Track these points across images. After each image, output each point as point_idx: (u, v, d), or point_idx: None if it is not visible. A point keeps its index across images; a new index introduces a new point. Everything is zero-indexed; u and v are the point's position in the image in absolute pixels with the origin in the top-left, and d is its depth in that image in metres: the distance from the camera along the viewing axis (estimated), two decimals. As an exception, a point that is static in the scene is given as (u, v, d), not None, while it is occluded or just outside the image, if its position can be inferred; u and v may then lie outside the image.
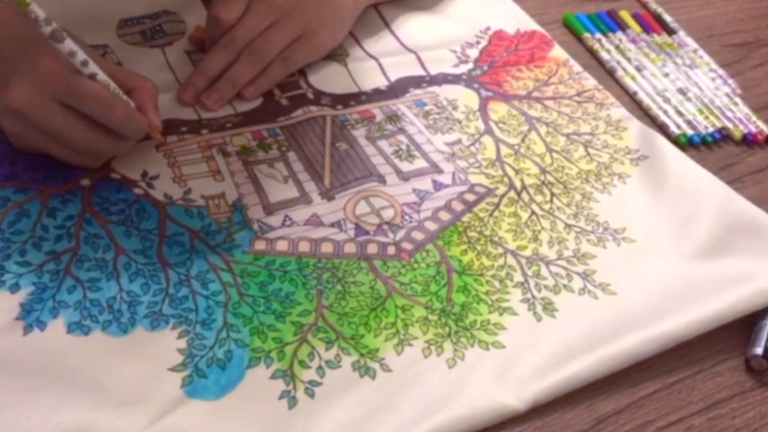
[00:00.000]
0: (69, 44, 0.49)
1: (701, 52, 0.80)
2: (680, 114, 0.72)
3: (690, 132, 0.70)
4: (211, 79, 0.62)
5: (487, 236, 0.57)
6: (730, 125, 0.71)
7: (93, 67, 0.50)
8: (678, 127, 0.70)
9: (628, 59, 0.77)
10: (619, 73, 0.75)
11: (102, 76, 0.51)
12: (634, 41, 0.80)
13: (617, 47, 0.78)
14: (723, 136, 0.70)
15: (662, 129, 0.70)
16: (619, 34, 0.80)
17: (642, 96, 0.73)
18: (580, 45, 0.79)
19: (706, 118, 0.72)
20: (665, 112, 0.72)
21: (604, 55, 0.77)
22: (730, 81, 0.77)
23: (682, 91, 0.74)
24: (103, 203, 0.53)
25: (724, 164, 0.68)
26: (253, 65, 0.63)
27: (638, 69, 0.76)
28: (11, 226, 0.51)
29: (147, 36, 0.67)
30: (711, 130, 0.70)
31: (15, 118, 0.50)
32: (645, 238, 0.58)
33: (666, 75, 0.76)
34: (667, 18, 0.84)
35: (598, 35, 0.79)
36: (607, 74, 0.76)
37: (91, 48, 0.55)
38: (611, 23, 0.81)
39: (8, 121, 0.51)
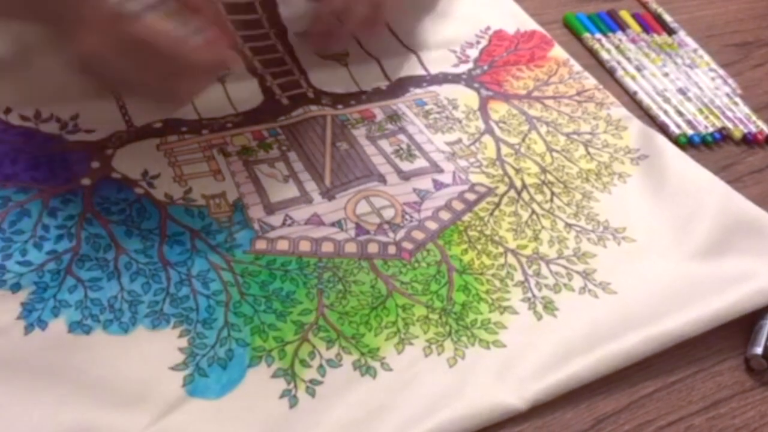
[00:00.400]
0: None
1: (701, 52, 0.80)
2: (680, 114, 0.72)
3: (690, 132, 0.70)
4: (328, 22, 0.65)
5: (488, 235, 0.57)
6: (730, 125, 0.71)
7: (158, 11, 0.50)
8: (678, 126, 0.70)
9: (628, 59, 0.77)
10: (619, 72, 0.75)
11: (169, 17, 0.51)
12: (634, 41, 0.80)
13: (617, 47, 0.78)
14: (723, 136, 0.70)
15: (662, 129, 0.70)
16: (619, 34, 0.80)
17: (642, 96, 0.73)
18: (580, 45, 0.79)
19: (706, 118, 0.72)
20: (665, 111, 0.72)
21: (604, 55, 0.77)
22: (730, 81, 0.77)
23: (682, 91, 0.74)
24: (103, 203, 0.53)
25: (724, 164, 0.68)
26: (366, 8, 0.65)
27: (638, 69, 0.76)
28: (12, 226, 0.51)
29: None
30: (711, 130, 0.70)
31: (88, 64, 0.51)
32: (645, 238, 0.58)
33: (666, 75, 0.76)
34: (667, 18, 0.84)
35: (598, 35, 0.79)
36: (607, 74, 0.76)
37: None
38: (611, 23, 0.82)
39: (82, 68, 0.52)
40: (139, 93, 0.55)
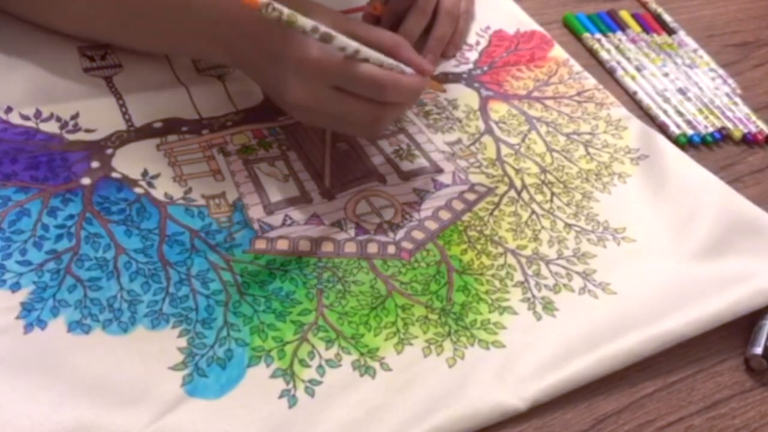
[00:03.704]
0: (338, 41, 0.50)
1: (701, 52, 0.80)
2: (680, 114, 0.72)
3: (690, 132, 0.70)
4: (414, 41, 0.66)
5: (488, 235, 0.57)
6: (729, 125, 0.71)
7: (365, 52, 0.52)
8: (678, 126, 0.70)
9: (628, 59, 0.77)
10: (619, 72, 0.75)
11: (375, 57, 0.52)
12: (633, 41, 0.80)
13: (617, 47, 0.78)
14: (723, 136, 0.70)
15: (662, 129, 0.70)
16: (619, 34, 0.80)
17: (642, 96, 0.73)
18: (580, 45, 0.79)
19: (706, 118, 0.72)
20: (665, 111, 0.72)
21: (604, 55, 0.77)
22: (730, 81, 0.77)
23: (681, 91, 0.74)
24: (103, 203, 0.53)
25: (724, 164, 0.68)
26: (451, 23, 0.69)
27: (638, 69, 0.76)
28: (12, 225, 0.51)
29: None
30: (711, 129, 0.70)
31: (302, 111, 0.55)
32: (645, 238, 0.58)
33: (666, 75, 0.76)
34: (667, 18, 0.84)
35: (598, 35, 0.79)
36: (607, 74, 0.76)
37: (341, 14, 0.56)
38: (611, 23, 0.82)
39: (298, 114, 0.57)
40: (347, 130, 0.59)
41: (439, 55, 0.69)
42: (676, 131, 0.70)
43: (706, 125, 0.71)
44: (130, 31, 0.60)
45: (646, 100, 0.73)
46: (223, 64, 0.64)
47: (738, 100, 0.75)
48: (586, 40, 0.79)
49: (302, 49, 0.52)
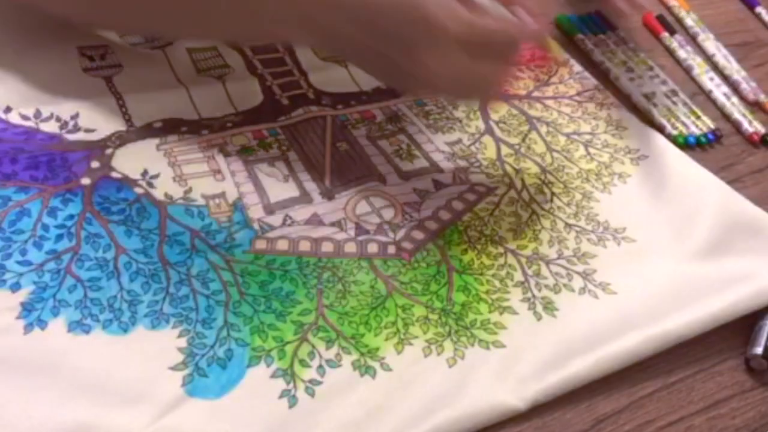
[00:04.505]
0: None
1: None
2: (675, 115, 0.72)
3: (686, 132, 0.70)
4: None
5: (488, 235, 0.57)
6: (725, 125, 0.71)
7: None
8: (674, 127, 0.70)
9: (622, 60, 0.77)
10: (614, 73, 0.75)
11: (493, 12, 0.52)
12: (624, 42, 0.79)
13: (609, 49, 0.78)
14: (716, 137, 0.70)
15: (660, 130, 0.70)
16: (610, 33, 0.80)
17: (638, 97, 0.73)
18: (576, 46, 0.79)
19: (699, 118, 0.72)
20: (660, 113, 0.72)
21: (597, 56, 0.77)
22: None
23: (674, 92, 0.74)
24: (103, 203, 0.53)
25: (725, 164, 0.68)
26: None
27: (630, 69, 0.76)
28: (12, 225, 0.51)
29: (148, 36, 0.67)
30: (705, 131, 0.70)
31: (442, 81, 0.52)
32: (645, 238, 0.58)
33: (657, 76, 0.76)
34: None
35: (590, 36, 0.79)
36: (602, 75, 0.76)
37: None
38: (600, 24, 0.81)
39: (438, 86, 0.54)
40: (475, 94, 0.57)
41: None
42: (673, 132, 0.69)
43: (701, 127, 0.71)
44: (207, 17, 0.55)
45: (642, 101, 0.73)
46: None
47: (735, 99, 0.75)
48: (578, 41, 0.78)
49: (427, 20, 0.49)
